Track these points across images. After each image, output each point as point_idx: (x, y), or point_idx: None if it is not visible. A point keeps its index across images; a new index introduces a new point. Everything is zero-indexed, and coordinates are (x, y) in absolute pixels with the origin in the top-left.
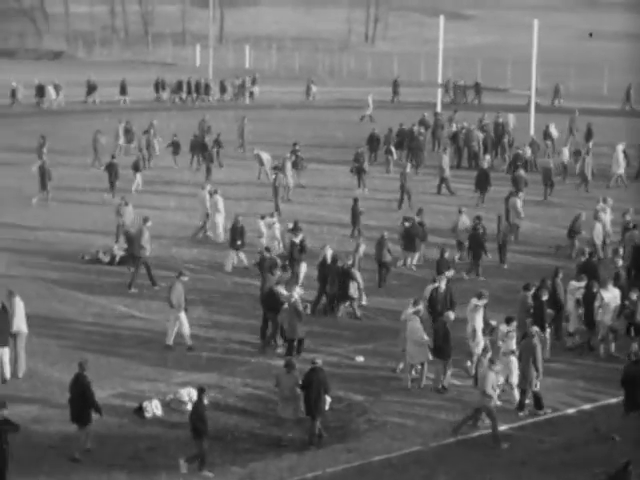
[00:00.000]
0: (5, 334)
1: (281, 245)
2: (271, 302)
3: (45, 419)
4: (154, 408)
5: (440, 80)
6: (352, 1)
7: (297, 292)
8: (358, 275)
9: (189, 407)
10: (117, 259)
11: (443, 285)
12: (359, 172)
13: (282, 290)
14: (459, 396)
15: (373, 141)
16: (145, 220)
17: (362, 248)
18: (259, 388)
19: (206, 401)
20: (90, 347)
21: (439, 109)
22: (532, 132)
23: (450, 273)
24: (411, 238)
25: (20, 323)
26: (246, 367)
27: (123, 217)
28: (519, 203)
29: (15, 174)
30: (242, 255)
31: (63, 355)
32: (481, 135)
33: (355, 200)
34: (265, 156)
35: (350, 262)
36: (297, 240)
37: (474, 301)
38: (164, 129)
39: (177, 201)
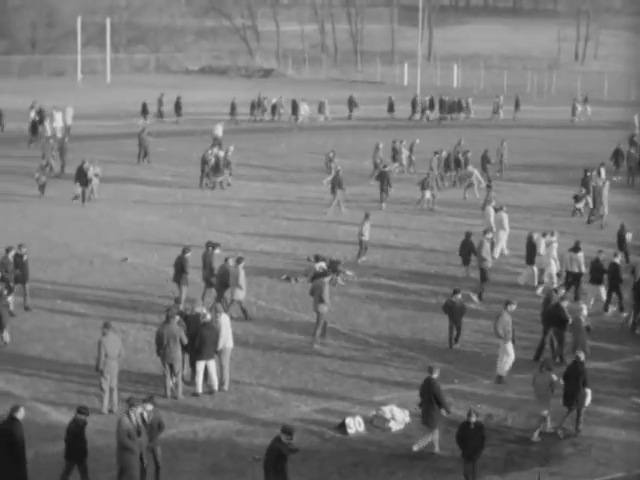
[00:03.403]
0: (212, 347)
1: (558, 264)
2: (555, 318)
3: (250, 432)
4: (357, 425)
5: None
6: (562, 19)
7: (585, 308)
8: None
9: (391, 425)
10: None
11: None
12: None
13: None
14: None
15: (618, 156)
16: (485, 232)
17: None
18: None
19: (473, 419)
20: (294, 362)
21: None
22: None
23: None
24: None
25: (226, 339)
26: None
27: (361, 229)
28: None
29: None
30: (535, 271)
31: (268, 369)
32: None
33: (622, 226)
34: (476, 174)
35: None
36: (618, 260)
37: None
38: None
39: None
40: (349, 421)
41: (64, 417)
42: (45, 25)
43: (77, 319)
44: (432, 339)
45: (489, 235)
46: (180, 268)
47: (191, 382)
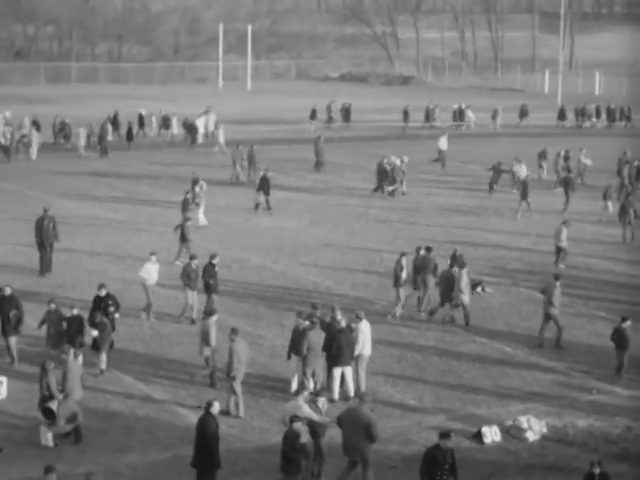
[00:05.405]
0: (348, 354)
1: None
2: None
3: (385, 439)
4: (493, 434)
5: None
6: None
7: None
8: None
9: (528, 435)
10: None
11: None
12: None
13: None
14: None
15: None
16: None
17: None
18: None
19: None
20: (430, 369)
21: None
22: None
23: None
24: None
25: (362, 346)
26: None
27: (560, 239)
28: None
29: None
30: None
31: (404, 377)
32: None
33: None
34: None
35: None
36: None
37: None
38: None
39: None
40: (485, 430)
41: None
42: (187, 32)
43: (217, 323)
44: (571, 348)
45: None
46: (395, 272)
47: (327, 388)
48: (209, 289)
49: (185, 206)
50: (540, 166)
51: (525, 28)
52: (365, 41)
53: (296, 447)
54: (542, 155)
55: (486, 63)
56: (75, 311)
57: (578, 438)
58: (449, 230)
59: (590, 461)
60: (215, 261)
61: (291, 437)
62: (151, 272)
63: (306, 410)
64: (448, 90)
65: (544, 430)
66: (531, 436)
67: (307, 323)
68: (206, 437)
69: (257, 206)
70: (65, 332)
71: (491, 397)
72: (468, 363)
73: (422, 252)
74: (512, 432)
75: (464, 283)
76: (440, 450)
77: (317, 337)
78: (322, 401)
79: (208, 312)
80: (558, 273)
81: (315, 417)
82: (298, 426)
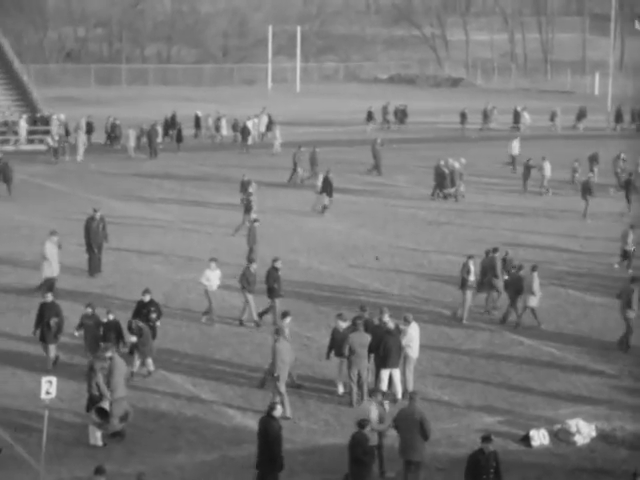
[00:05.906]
0: (396, 356)
1: None
2: None
3: (433, 441)
4: (541, 437)
5: None
6: None
7: None
8: None
9: (576, 438)
10: None
11: None
12: None
13: None
14: None
15: None
16: None
17: None
18: None
19: None
20: (478, 372)
21: None
22: None
23: None
24: None
25: (411, 348)
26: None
27: (627, 242)
28: None
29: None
30: None
31: (453, 379)
32: None
33: None
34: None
35: None
36: None
37: None
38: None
39: None
40: (533, 433)
41: (250, 421)
42: (236, 34)
43: (263, 325)
44: (619, 353)
45: None
46: (462, 276)
47: (375, 390)
48: (272, 293)
49: (248, 208)
50: (591, 170)
51: (575, 30)
52: (414, 43)
53: (367, 450)
54: (593, 159)
55: (536, 65)
56: (111, 316)
57: (627, 441)
58: (498, 232)
59: (634, 469)
60: (278, 265)
61: (361, 440)
62: (211, 279)
63: (374, 416)
64: (497, 92)
65: (593, 433)
66: (580, 440)
67: (347, 324)
68: (268, 438)
69: (324, 208)
70: (101, 337)
71: (539, 400)
72: (516, 366)
73: (491, 254)
74: (560, 435)
75: (536, 285)
76: (483, 454)
77: (359, 339)
78: (387, 403)
79: (283, 314)
80: (635, 276)
81: (376, 426)
82: (368, 430)
